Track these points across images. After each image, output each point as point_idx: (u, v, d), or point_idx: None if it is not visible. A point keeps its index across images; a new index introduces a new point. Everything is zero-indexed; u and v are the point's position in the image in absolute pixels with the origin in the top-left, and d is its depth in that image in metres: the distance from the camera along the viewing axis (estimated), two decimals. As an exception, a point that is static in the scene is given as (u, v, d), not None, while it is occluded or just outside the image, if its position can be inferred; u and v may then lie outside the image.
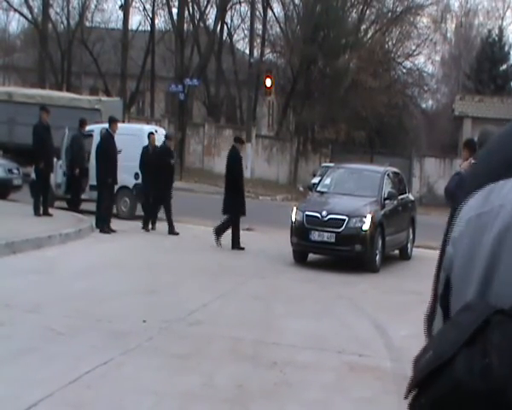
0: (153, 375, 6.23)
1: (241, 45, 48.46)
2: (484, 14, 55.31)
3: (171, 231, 15.41)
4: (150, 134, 16.34)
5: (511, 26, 54.46)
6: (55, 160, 16.17)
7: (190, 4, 40.83)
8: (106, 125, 15.91)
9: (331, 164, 17.42)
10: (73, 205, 17.50)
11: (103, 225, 14.62)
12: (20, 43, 50.11)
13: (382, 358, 7.26)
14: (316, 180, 14.04)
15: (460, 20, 54.70)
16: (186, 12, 40.05)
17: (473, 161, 6.55)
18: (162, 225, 16.33)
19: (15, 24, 69.82)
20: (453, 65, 55.50)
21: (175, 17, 40.04)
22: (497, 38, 45.77)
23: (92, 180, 16.23)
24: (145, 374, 6.24)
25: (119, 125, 16.24)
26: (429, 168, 35.10)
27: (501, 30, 47.23)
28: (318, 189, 13.84)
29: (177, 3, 40.26)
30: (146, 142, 16.26)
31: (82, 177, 16.95)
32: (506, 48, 46.17)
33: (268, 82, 33.94)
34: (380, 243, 12.73)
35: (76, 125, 17.27)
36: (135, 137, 16.95)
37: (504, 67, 45.27)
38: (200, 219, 18.17)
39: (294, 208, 13.12)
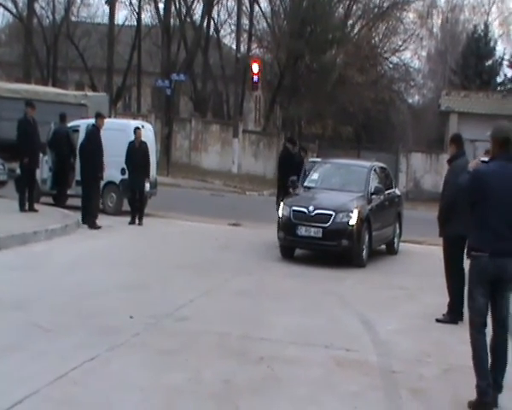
0: (140, 371, 6.22)
1: (228, 40, 48.37)
2: (470, 9, 55.59)
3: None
4: (136, 129, 16.28)
5: (496, 22, 54.40)
6: (40, 155, 16.07)
7: (177, -1, 40.71)
8: (92, 121, 15.85)
9: (318, 159, 17.38)
10: (59, 201, 17.42)
11: (93, 221, 14.57)
12: (5, 37, 49.67)
13: (369, 353, 7.28)
14: (295, 177, 14.05)
15: (446, 15, 54.86)
16: (173, 7, 39.91)
17: (481, 159, 6.53)
18: (149, 221, 16.30)
19: (0, 18, 69.49)
20: (439, 60, 55.65)
21: (161, 12, 39.91)
22: (482, 34, 45.93)
23: (78, 175, 16.15)
24: (132, 370, 6.23)
25: (106, 120, 16.18)
26: (416, 163, 35.22)
27: (486, 25, 47.41)
28: (305, 184, 13.83)
29: (163, -2, 40.15)
30: (132, 137, 16.19)
31: (68, 172, 16.86)
32: (491, 43, 46.36)
33: (255, 67, 33.79)
34: (367, 238, 12.75)
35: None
36: (121, 133, 16.87)
37: (490, 62, 45.45)
38: (187, 214, 18.15)
39: (281, 204, 13.11)
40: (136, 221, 15.76)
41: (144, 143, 16.20)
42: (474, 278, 5.94)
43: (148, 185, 16.43)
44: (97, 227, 14.48)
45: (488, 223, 5.83)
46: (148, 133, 18.14)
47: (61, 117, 17.18)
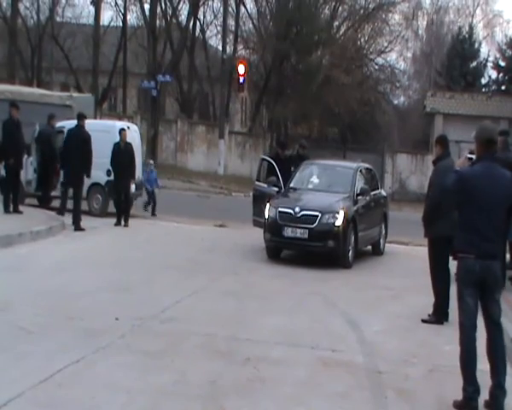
0: (125, 373, 6.19)
1: (214, 41, 48.29)
2: (454, 11, 55.78)
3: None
4: (121, 130, 16.23)
5: (481, 24, 54.68)
6: (25, 156, 15.97)
7: (163, 0, 40.60)
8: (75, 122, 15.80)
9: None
10: (44, 202, 17.33)
11: (78, 223, 14.51)
12: (-11, 38, 49.42)
13: (355, 353, 7.29)
14: (274, 178, 13.97)
15: (431, 17, 55.09)
16: (158, 8, 39.77)
17: (468, 156, 6.54)
18: (135, 222, 16.25)
19: (-16, 19, 68.95)
20: (424, 62, 55.83)
21: (147, 13, 39.73)
22: (467, 36, 46.11)
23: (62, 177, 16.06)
24: (117, 372, 6.20)
25: (91, 121, 16.11)
26: (401, 164, 35.34)
27: (471, 27, 47.61)
28: (291, 185, 13.83)
29: (149, -1, 40.04)
30: (118, 138, 16.13)
31: (52, 173, 16.77)
32: (476, 45, 46.54)
33: (241, 69, 33.73)
34: (352, 238, 12.77)
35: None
36: (106, 134, 16.79)
37: (474, 63, 45.62)
38: (173, 215, 18.11)
39: (268, 205, 13.11)
40: (122, 223, 15.71)
41: (129, 145, 16.15)
42: (462, 280, 5.92)
43: (133, 187, 16.44)
44: (81, 229, 14.39)
45: (474, 225, 5.80)
46: (134, 134, 18.08)
47: (49, 118, 17.08)
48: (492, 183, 5.82)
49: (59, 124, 17.65)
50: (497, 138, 6.07)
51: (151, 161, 20.78)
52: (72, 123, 15.95)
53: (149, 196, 18.96)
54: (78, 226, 14.45)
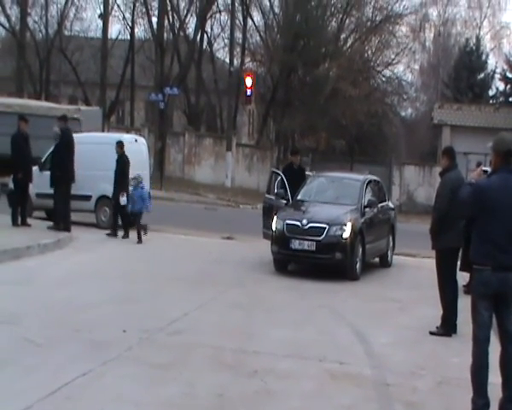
0: (133, 385, 6.19)
1: (222, 54, 48.45)
2: (461, 23, 55.78)
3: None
4: (119, 143, 15.99)
5: (488, 36, 54.66)
6: (34, 169, 15.97)
7: (170, 13, 40.76)
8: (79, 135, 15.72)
9: (311, 172, 17.39)
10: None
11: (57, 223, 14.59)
12: (-2, 51, 49.72)
13: (363, 365, 7.26)
14: (281, 190, 13.95)
15: (438, 29, 55.10)
16: (166, 21, 39.98)
17: (483, 169, 6.50)
18: (142, 234, 16.24)
19: (-7, 33, 69.55)
20: (432, 73, 55.87)
21: (155, 26, 39.95)
22: (474, 47, 46.19)
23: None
24: (125, 384, 6.20)
25: (99, 134, 16.08)
26: (409, 176, 35.28)
27: (478, 39, 47.69)
28: (299, 197, 13.83)
29: (156, 12, 40.18)
30: (126, 151, 16.05)
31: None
32: (483, 57, 46.62)
33: (248, 81, 33.79)
34: (360, 250, 12.75)
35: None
36: (113, 147, 16.75)
37: (482, 75, 45.69)
38: (180, 228, 18.12)
39: (275, 217, 13.11)
40: (120, 234, 15.50)
41: (126, 157, 15.96)
42: (477, 292, 5.83)
43: (123, 199, 15.55)
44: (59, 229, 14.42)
45: (490, 236, 5.73)
46: (142, 147, 18.12)
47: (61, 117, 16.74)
48: (510, 194, 5.75)
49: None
50: None
51: (137, 175, 15.77)
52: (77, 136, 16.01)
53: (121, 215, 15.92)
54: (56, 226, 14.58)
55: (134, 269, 12.12)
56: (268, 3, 42.03)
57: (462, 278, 9.71)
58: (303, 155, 34.95)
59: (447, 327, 8.84)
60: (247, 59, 43.43)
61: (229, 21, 39.84)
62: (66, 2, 43.80)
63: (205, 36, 43.35)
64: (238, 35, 41.34)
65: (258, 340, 7.99)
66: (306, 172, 16.05)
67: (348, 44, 42.88)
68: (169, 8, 40.46)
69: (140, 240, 15.20)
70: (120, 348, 7.21)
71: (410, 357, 7.80)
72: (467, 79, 43.94)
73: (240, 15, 41.59)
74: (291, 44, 37.33)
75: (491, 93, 46.60)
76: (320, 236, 12.31)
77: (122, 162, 15.77)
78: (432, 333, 8.84)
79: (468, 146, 29.97)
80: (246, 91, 34.48)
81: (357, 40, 42.62)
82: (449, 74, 48.00)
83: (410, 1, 44.82)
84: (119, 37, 46.20)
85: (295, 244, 12.43)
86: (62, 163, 14.87)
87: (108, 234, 15.52)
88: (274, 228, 12.86)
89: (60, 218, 14.94)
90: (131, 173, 15.83)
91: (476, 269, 5.84)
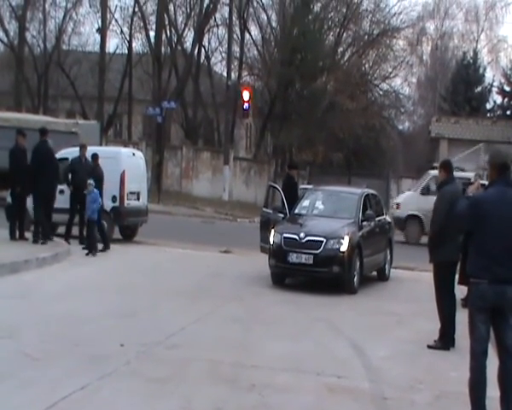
0: (131, 399, 6.18)
1: (219, 68, 48.54)
2: (459, 36, 56.03)
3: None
4: (93, 155, 15.98)
5: (485, 49, 54.89)
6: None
7: (168, 27, 40.93)
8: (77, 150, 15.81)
9: (309, 186, 17.40)
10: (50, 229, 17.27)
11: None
12: (-4, 66, 49.80)
13: (361, 379, 7.25)
14: (279, 204, 13.94)
15: (435, 42, 55.31)
16: (163, 35, 40.14)
17: (481, 182, 6.53)
18: (140, 248, 16.25)
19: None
20: (429, 87, 56.04)
21: (152, 40, 40.12)
22: (471, 61, 46.36)
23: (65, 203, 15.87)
24: (123, 399, 6.18)
25: (96, 148, 16.11)
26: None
27: (475, 52, 47.87)
28: (296, 211, 13.84)
29: (154, 26, 40.36)
30: (123, 165, 16.09)
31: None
32: (481, 70, 46.77)
33: (245, 95, 33.85)
34: (358, 264, 12.75)
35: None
36: (111, 160, 16.81)
37: (479, 88, 45.83)
38: (178, 241, 18.12)
39: (272, 231, 13.11)
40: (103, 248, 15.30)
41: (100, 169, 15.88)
42: (474, 305, 5.82)
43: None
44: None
45: (487, 249, 5.73)
46: (139, 161, 18.16)
47: (81, 147, 16.62)
48: (506, 207, 5.76)
49: (62, 152, 17.41)
50: (509, 163, 5.98)
51: (89, 181, 15.12)
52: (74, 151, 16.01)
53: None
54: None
55: (132, 282, 12.11)
56: (265, 17, 42.31)
57: (461, 291, 9.70)
58: (300, 168, 35.14)
59: (445, 341, 8.84)
60: (245, 73, 43.57)
61: (226, 35, 39.93)
62: (64, 17, 44.00)
63: (202, 50, 43.50)
64: (236, 49, 41.46)
65: (256, 354, 7.98)
66: (301, 186, 16.09)
67: (345, 58, 43.08)
68: (167, 22, 40.64)
69: (90, 251, 14.65)
70: (118, 362, 7.19)
71: (408, 371, 7.78)
72: (464, 93, 44.08)
73: (237, 29, 41.73)
74: (288, 58, 37.47)
75: (488, 106, 46.75)
76: (318, 249, 12.31)
77: (97, 175, 15.66)
78: (430, 347, 8.83)
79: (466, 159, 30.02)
80: (243, 105, 34.55)
81: (354, 54, 42.81)
82: (446, 88, 48.15)
83: (407, 14, 44.71)
84: (117, 51, 46.32)
85: (293, 258, 12.43)
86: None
87: (101, 250, 15.33)
88: (271, 241, 12.86)
89: (39, 230, 14.78)
90: (128, 188, 15.82)
91: (473, 282, 5.84)
